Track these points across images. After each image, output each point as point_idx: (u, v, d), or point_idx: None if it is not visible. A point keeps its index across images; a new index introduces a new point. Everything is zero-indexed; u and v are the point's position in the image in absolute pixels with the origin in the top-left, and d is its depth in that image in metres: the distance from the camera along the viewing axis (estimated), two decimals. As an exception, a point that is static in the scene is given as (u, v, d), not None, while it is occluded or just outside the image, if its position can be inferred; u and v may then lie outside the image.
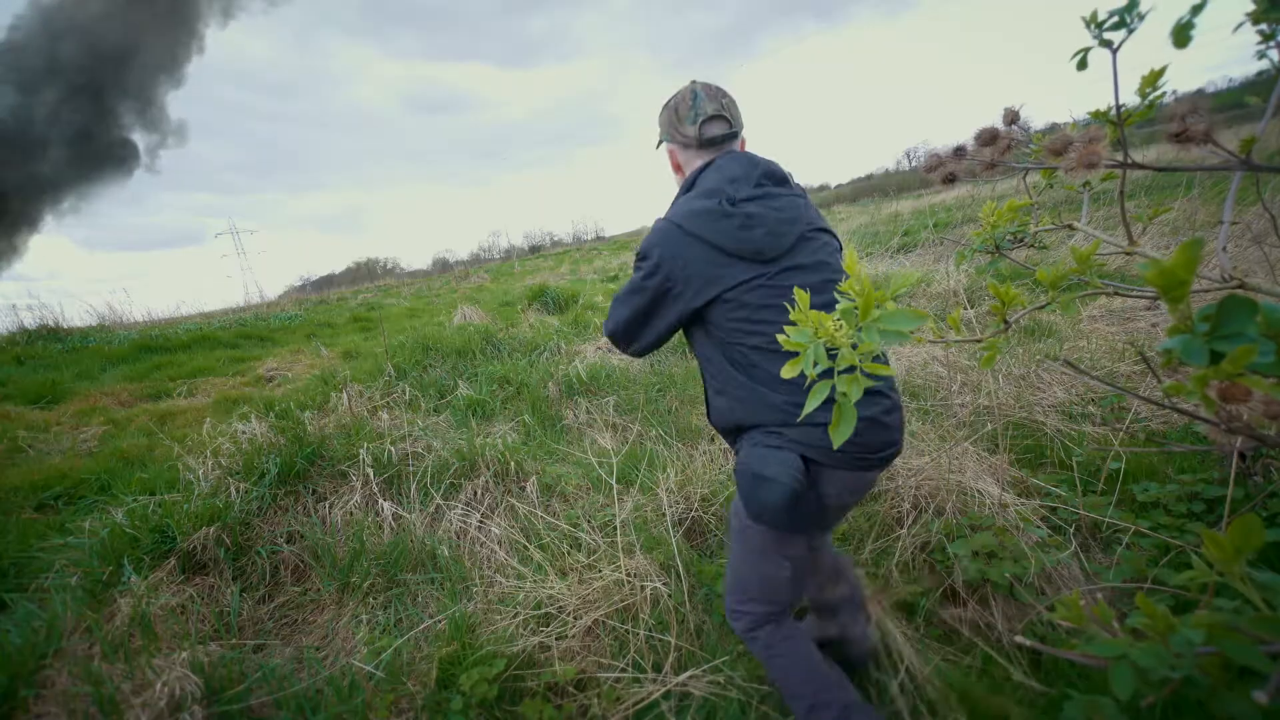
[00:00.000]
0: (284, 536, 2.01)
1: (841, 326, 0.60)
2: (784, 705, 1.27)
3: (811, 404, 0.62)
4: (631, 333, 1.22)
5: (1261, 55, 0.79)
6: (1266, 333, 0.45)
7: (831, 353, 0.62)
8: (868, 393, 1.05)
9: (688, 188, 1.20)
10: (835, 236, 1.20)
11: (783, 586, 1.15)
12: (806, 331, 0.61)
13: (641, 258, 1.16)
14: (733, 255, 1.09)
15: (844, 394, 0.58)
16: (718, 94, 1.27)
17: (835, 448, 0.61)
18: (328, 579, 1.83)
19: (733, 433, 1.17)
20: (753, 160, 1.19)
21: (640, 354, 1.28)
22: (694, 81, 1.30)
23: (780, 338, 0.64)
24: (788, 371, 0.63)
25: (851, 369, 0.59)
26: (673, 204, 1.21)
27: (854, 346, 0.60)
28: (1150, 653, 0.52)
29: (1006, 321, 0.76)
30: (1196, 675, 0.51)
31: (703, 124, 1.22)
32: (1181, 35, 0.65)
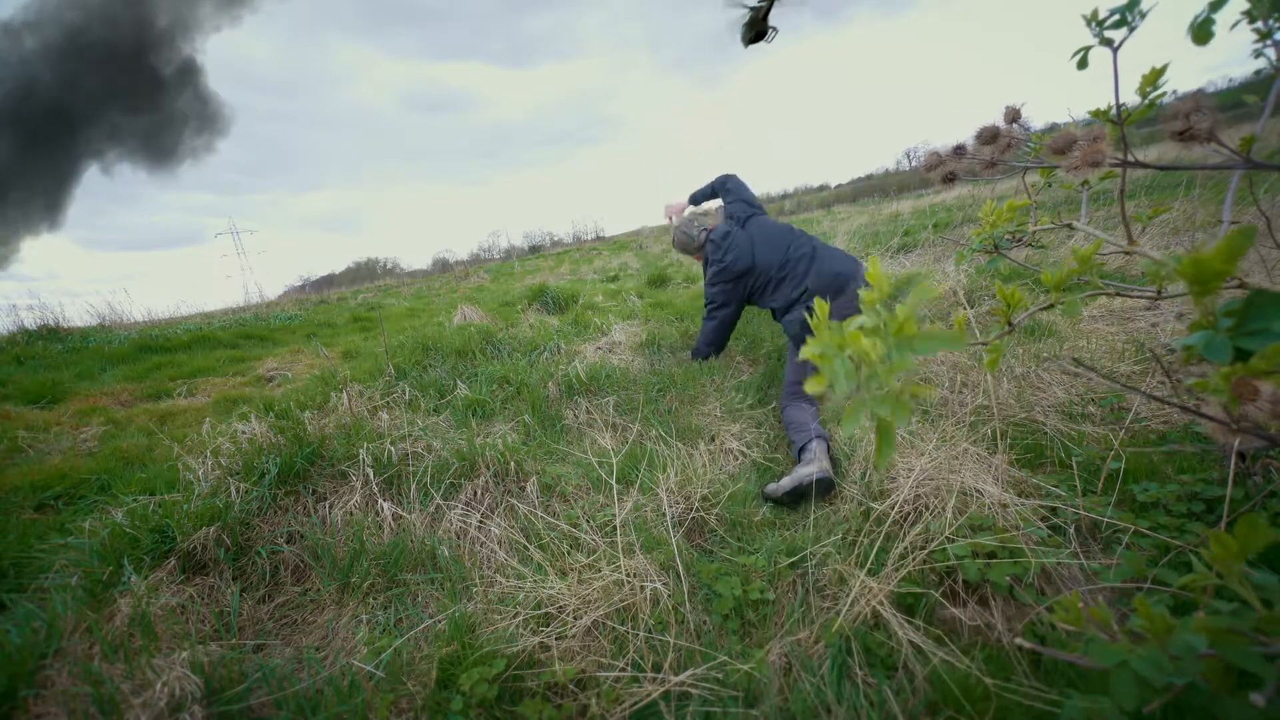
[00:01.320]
0: (284, 536, 2.01)
1: (875, 345, 0.56)
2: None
3: (849, 426, 0.59)
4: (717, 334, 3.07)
5: (1258, 54, 0.79)
6: (1296, 330, 0.44)
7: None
8: (828, 253, 2.44)
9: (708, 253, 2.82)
10: (762, 212, 2.69)
11: (798, 383, 2.46)
12: (831, 344, 0.58)
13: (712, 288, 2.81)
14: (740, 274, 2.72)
15: (885, 420, 0.55)
16: (699, 223, 2.73)
17: (877, 469, 0.60)
18: (328, 579, 1.83)
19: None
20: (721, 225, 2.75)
21: (721, 338, 3.04)
22: (684, 224, 2.79)
23: (805, 351, 0.62)
24: (811, 387, 0.60)
25: (888, 390, 0.56)
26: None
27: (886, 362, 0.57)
28: (1150, 659, 0.52)
29: (1011, 324, 0.76)
30: (1198, 681, 0.51)
31: (700, 244, 2.83)
32: (1202, 32, 0.64)
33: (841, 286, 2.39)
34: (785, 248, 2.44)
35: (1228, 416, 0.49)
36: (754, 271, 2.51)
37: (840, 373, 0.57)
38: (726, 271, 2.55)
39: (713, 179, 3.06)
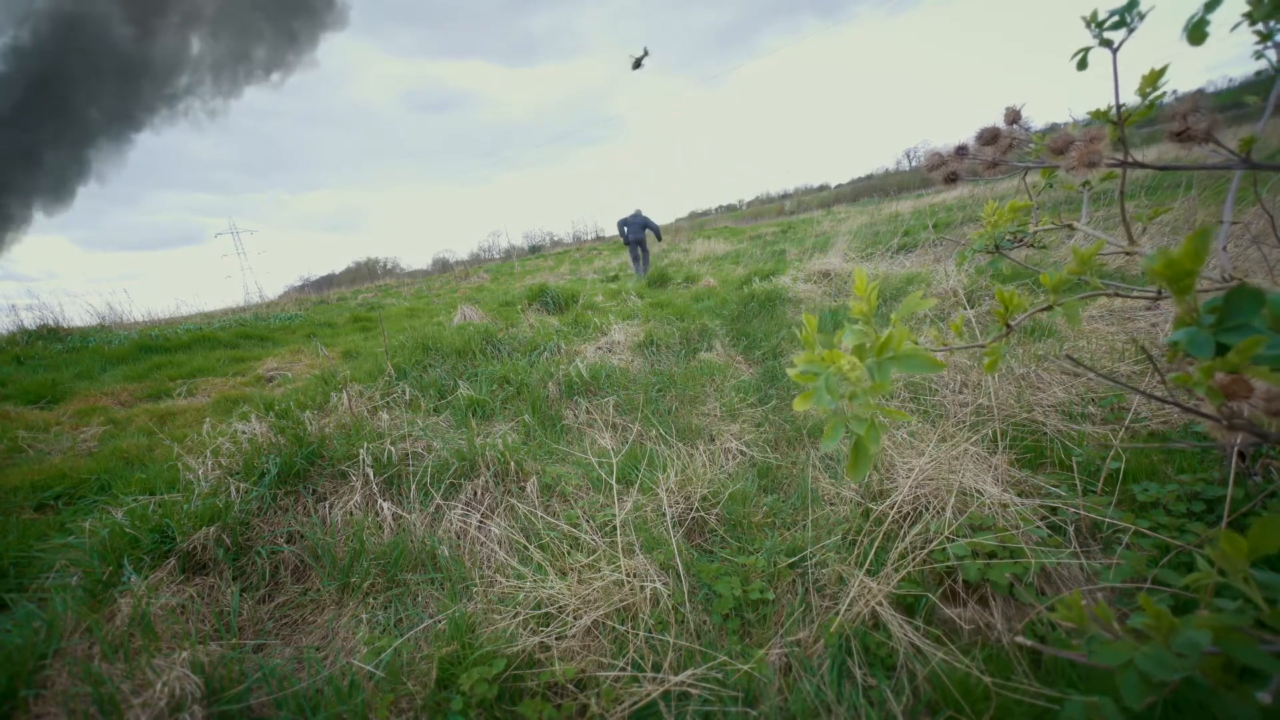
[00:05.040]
0: (284, 536, 2.01)
1: (855, 365, 0.57)
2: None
3: (829, 443, 0.60)
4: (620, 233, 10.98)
5: (1259, 55, 0.79)
6: (1273, 325, 0.44)
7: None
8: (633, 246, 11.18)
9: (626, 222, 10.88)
10: (650, 223, 10.81)
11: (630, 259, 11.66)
12: (817, 363, 0.59)
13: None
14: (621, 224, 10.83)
15: (862, 439, 0.56)
16: (634, 207, 10.93)
17: (855, 482, 0.61)
18: (328, 579, 1.83)
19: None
20: (636, 213, 10.81)
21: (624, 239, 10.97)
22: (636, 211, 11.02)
23: (791, 372, 0.63)
24: (800, 405, 0.62)
25: (867, 411, 0.57)
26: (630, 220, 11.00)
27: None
28: (1155, 658, 0.52)
29: (1009, 326, 0.76)
30: (1198, 676, 0.51)
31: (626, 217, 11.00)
32: (1197, 32, 0.64)
33: (638, 239, 10.57)
34: (630, 224, 10.41)
35: (1224, 414, 0.49)
36: (626, 223, 10.43)
37: (824, 389, 0.58)
38: (621, 222, 10.53)
39: (650, 216, 10.72)
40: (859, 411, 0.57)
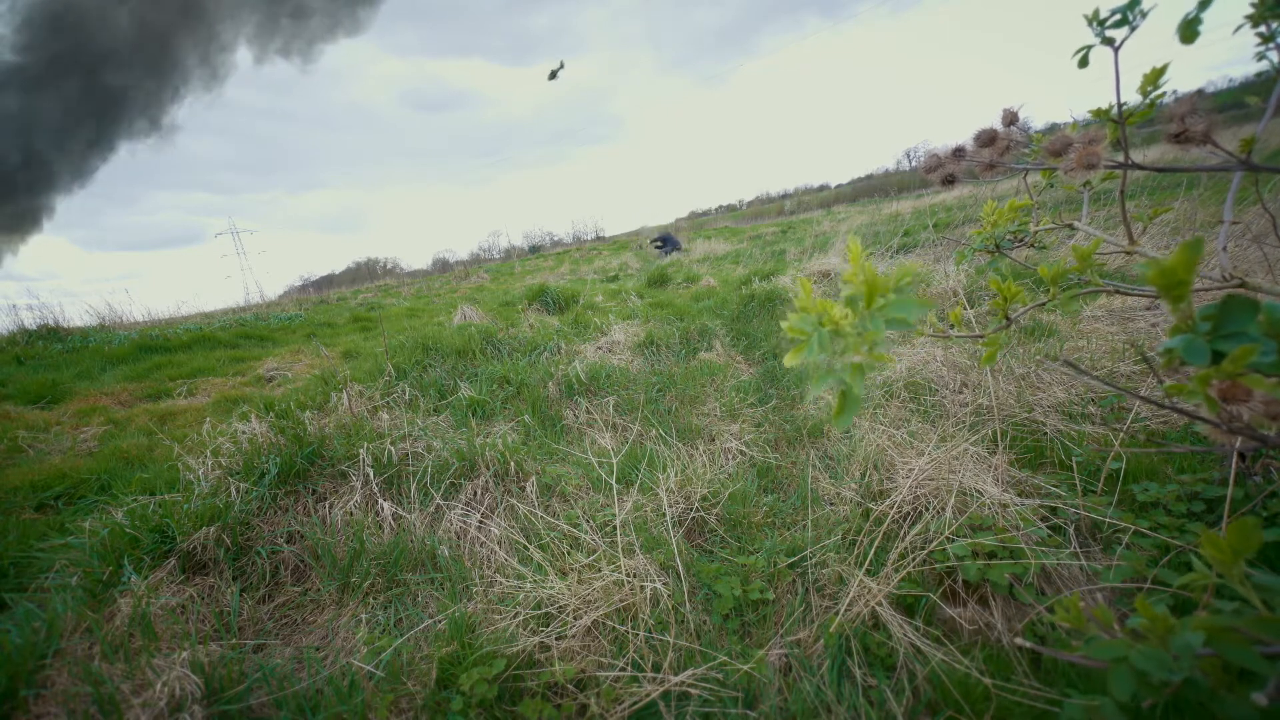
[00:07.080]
0: (284, 536, 2.01)
1: (847, 315, 0.59)
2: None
3: (816, 389, 0.62)
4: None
5: (1261, 57, 0.79)
6: (1268, 332, 0.44)
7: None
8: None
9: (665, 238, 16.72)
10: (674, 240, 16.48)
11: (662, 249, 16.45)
12: (811, 319, 0.61)
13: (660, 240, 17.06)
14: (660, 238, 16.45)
15: (848, 385, 0.58)
16: (662, 233, 19.38)
17: (839, 430, 0.62)
18: (328, 579, 1.83)
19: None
20: (665, 233, 17.10)
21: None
22: (664, 233, 17.72)
23: (785, 324, 0.65)
24: (790, 360, 0.64)
25: (856, 358, 0.59)
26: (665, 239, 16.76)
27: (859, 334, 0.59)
28: (1149, 655, 0.52)
29: (1008, 318, 0.76)
30: (1197, 677, 0.51)
31: (660, 236, 17.22)
32: (1189, 30, 0.64)
33: (675, 244, 15.88)
34: (669, 240, 16.09)
35: (1223, 418, 0.49)
36: (665, 239, 16.21)
37: (816, 342, 0.59)
38: (663, 237, 16.41)
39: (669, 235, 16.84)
40: (847, 358, 0.58)
